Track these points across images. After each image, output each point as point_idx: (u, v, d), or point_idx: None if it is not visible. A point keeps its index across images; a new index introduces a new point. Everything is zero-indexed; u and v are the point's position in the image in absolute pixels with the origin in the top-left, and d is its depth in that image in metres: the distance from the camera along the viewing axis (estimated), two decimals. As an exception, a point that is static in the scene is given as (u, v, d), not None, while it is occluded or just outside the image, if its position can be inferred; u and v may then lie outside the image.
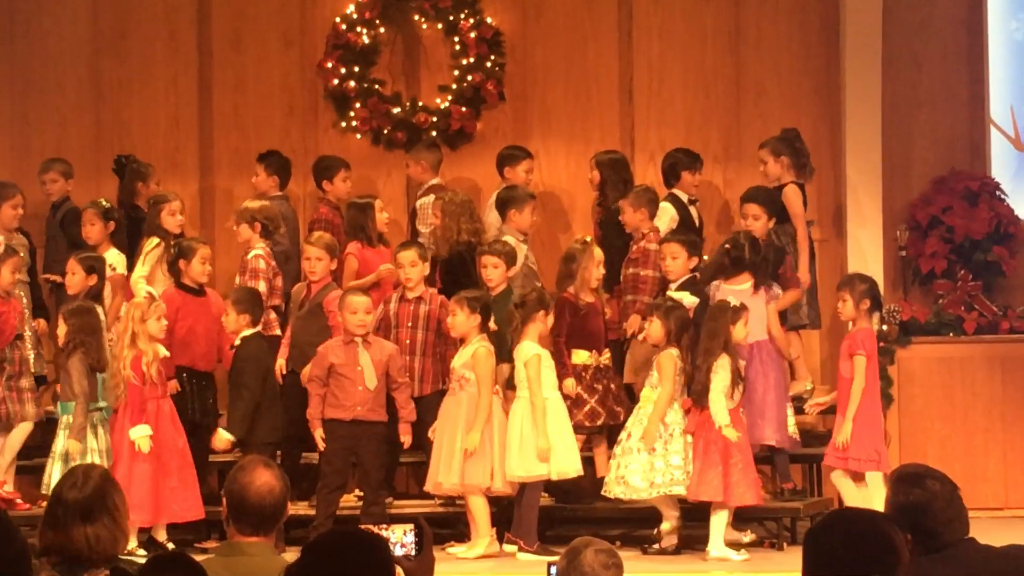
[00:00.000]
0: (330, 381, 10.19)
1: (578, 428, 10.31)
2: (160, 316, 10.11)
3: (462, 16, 12.69)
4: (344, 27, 12.74)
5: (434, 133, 12.63)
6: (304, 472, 10.69)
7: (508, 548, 10.01)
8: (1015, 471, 11.63)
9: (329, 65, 12.76)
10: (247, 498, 5.12)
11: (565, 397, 10.25)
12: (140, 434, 9.94)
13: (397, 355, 10.35)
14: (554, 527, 10.48)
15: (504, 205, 11.40)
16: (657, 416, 9.95)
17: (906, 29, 12.52)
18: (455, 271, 11.06)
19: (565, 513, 10.61)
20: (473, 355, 10.04)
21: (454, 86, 12.71)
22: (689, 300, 10.29)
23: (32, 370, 11.06)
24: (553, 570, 5.30)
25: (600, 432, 10.64)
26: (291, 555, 4.49)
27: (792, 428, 10.53)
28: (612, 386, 10.59)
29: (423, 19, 12.78)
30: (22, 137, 12.86)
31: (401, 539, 4.93)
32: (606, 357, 10.59)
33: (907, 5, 12.54)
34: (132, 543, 9.88)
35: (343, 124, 12.80)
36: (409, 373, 10.54)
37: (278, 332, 10.95)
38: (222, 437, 10.29)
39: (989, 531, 5.70)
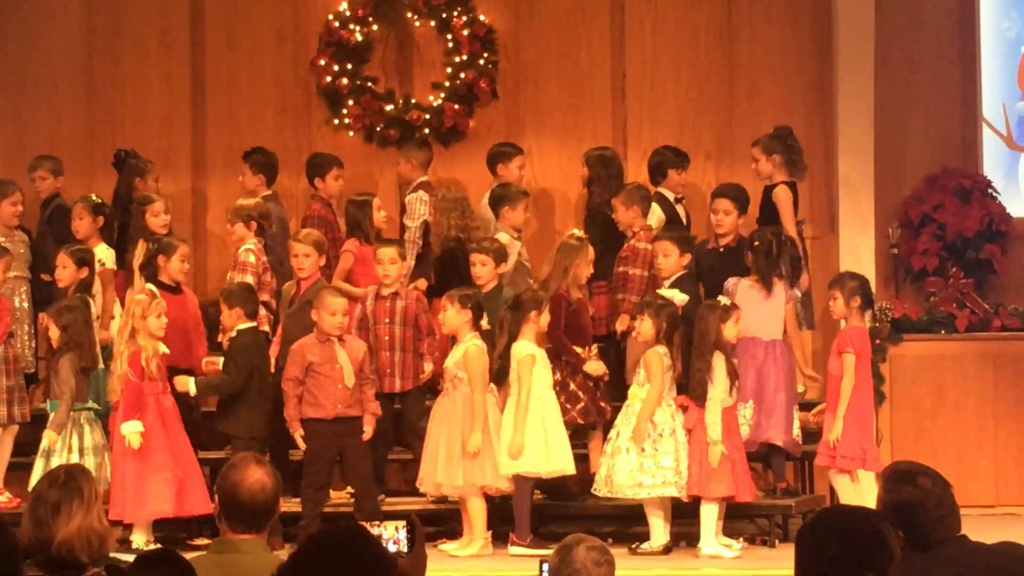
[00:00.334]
0: (307, 380, 10.14)
1: (571, 425, 10.32)
2: (160, 313, 10.10)
3: (455, 14, 12.70)
4: (337, 24, 12.74)
5: (427, 131, 12.64)
6: (296, 469, 10.68)
7: (514, 551, 10.01)
8: (1006, 469, 11.64)
9: (322, 62, 12.76)
10: (239, 495, 5.12)
11: (589, 378, 10.31)
12: (130, 430, 9.92)
13: (368, 353, 10.35)
14: (546, 524, 10.49)
15: (497, 203, 11.43)
16: (646, 415, 9.95)
17: (899, 27, 12.53)
18: (446, 268, 11.09)
19: (557, 510, 10.62)
20: (464, 354, 10.03)
21: (447, 84, 12.72)
22: (679, 297, 10.29)
23: (30, 368, 11.10)
24: (545, 567, 5.30)
25: (594, 428, 10.64)
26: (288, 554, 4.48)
27: (796, 431, 10.52)
28: (600, 383, 10.61)
29: (416, 16, 12.79)
30: (15, 134, 12.85)
31: (393, 536, 4.93)
32: (594, 353, 10.60)
33: (900, 3, 12.55)
34: (141, 539, 9.90)
35: (336, 121, 12.80)
36: (389, 369, 10.55)
37: (267, 328, 10.93)
38: (184, 380, 10.29)
39: (980, 529, 5.72)
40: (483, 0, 12.77)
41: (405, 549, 4.87)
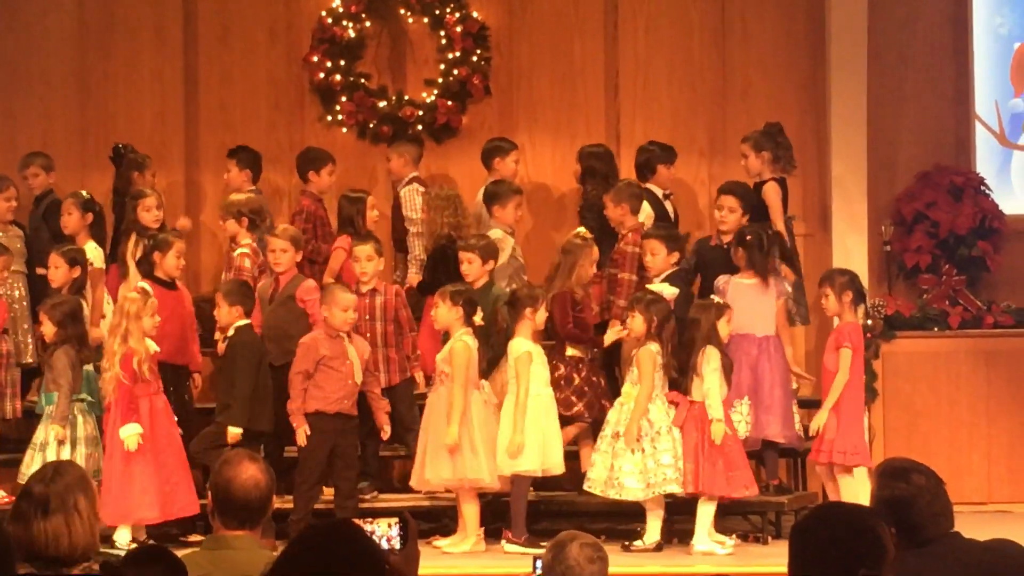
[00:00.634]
0: (316, 374, 10.11)
1: (576, 419, 10.35)
2: (154, 312, 10.07)
3: (448, 10, 12.69)
4: (330, 21, 12.73)
5: (420, 127, 12.63)
6: (290, 465, 10.67)
7: (508, 548, 10.01)
8: (999, 465, 11.66)
9: (315, 59, 12.75)
10: (232, 492, 5.13)
11: (593, 373, 10.37)
12: (129, 432, 9.87)
13: (369, 351, 10.36)
14: (539, 521, 10.48)
15: (489, 200, 11.43)
16: (638, 413, 9.94)
17: (891, 24, 12.54)
18: (438, 265, 11.08)
19: (550, 507, 10.62)
20: (451, 350, 10.02)
21: (440, 80, 12.71)
22: (669, 291, 10.28)
23: (31, 362, 11.13)
24: (538, 563, 5.30)
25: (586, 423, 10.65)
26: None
27: (798, 425, 10.52)
28: (601, 380, 10.60)
29: (409, 13, 12.78)
30: (7, 130, 12.83)
31: (386, 532, 4.91)
32: (595, 350, 10.63)
33: (892, 0, 12.56)
34: (126, 537, 9.87)
35: (329, 118, 12.80)
36: (374, 365, 10.54)
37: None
38: (232, 433, 10.21)
39: (973, 525, 5.72)
40: (476, -4, 12.79)
41: (398, 546, 4.86)
